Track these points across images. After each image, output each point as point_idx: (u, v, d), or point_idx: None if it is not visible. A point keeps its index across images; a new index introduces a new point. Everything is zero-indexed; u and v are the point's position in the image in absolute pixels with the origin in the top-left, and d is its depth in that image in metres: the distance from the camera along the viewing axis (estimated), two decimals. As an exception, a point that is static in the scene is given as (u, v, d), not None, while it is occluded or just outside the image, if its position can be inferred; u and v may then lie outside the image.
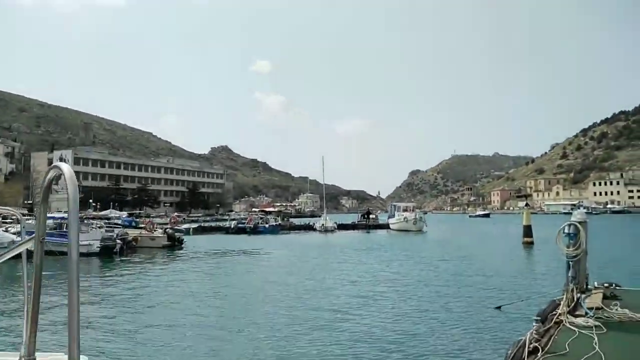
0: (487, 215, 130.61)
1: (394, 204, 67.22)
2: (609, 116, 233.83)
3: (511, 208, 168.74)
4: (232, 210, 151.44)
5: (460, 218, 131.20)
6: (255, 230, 54.21)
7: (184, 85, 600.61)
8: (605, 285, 8.55)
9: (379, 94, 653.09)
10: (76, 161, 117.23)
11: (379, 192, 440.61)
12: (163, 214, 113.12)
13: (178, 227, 38.74)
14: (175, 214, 54.08)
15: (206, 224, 66.10)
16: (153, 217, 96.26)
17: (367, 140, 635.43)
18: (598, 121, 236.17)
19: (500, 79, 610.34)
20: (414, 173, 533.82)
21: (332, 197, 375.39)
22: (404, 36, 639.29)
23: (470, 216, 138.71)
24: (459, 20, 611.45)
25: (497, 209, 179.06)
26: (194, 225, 59.42)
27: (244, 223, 58.75)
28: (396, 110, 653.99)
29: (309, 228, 61.80)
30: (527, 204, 34.83)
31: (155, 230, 35.07)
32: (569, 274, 6.64)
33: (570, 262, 6.59)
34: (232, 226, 58.06)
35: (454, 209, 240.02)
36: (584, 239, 6.48)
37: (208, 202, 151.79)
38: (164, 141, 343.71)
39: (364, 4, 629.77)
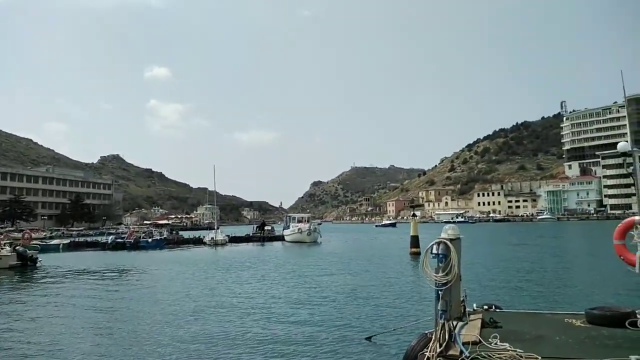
0: (393, 225, 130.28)
1: (289, 215, 65.30)
2: (490, 133, 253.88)
3: (405, 217, 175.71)
4: (121, 223, 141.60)
5: (364, 228, 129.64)
6: (136, 246, 49.17)
7: (71, 90, 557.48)
8: (485, 307, 7.39)
9: (283, 107, 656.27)
10: None
11: (281, 203, 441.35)
12: (41, 227, 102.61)
13: (34, 244, 32.80)
14: (28, 229, 46.47)
15: (82, 239, 58.60)
16: (21, 230, 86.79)
17: (270, 151, 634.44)
18: (482, 137, 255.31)
19: (395, 96, 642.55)
20: (315, 184, 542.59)
21: (233, 208, 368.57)
22: (307, 49, 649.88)
23: (376, 225, 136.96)
24: (363, 35, 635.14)
25: (393, 218, 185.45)
26: (65, 241, 52.85)
27: (123, 238, 53.07)
28: (299, 124, 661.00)
29: (199, 242, 57.05)
30: (414, 214, 34.70)
31: (2, 248, 29.57)
32: (439, 307, 5.13)
33: (440, 292, 5.08)
34: (110, 241, 51.86)
35: (353, 219, 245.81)
36: (455, 260, 4.98)
37: (94, 214, 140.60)
38: (45, 149, 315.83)
39: (269, 13, 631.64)
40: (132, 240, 50.74)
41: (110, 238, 53.46)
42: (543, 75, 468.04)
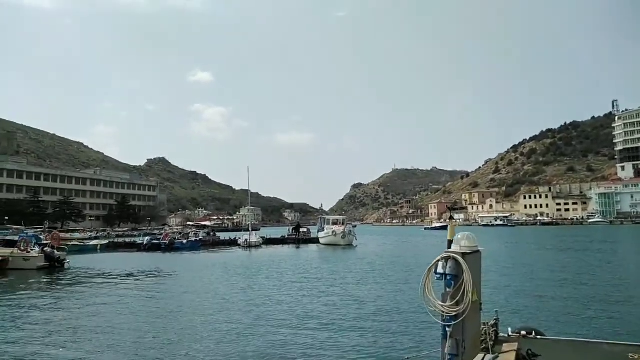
0: (445, 228, 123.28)
1: (323, 217, 63.48)
2: (537, 133, 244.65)
3: (447, 220, 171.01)
4: (165, 224, 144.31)
5: (406, 230, 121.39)
6: (171, 247, 48.87)
7: (120, 95, 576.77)
8: (522, 333, 5.92)
9: (321, 109, 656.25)
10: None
11: (321, 205, 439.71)
12: (88, 228, 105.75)
13: (62, 245, 32.38)
14: (49, 229, 46.09)
15: (121, 240, 59.23)
16: (72, 230, 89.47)
17: (311, 153, 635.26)
18: (527, 138, 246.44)
19: (437, 99, 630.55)
20: (356, 186, 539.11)
21: (274, 209, 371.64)
22: (344, 53, 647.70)
23: (425, 228, 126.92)
24: (400, 39, 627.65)
25: (435, 221, 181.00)
26: (104, 242, 53.49)
27: (159, 239, 52.96)
28: (339, 125, 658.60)
29: (234, 243, 56.45)
30: (451, 217, 32.23)
31: (32, 250, 29.73)
32: (446, 349, 3.70)
33: (447, 328, 3.73)
34: (146, 242, 51.44)
35: (394, 222, 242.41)
36: (469, 283, 3.62)
37: (139, 215, 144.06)
38: (95, 152, 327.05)
39: (305, 15, 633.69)
40: (167, 242, 50.49)
41: (146, 239, 53.21)
42: (593, 73, 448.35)
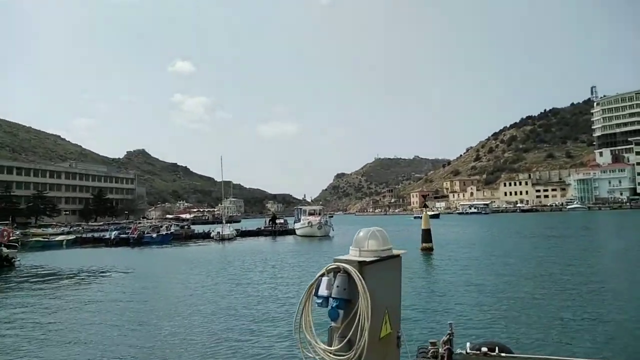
0: (436, 216, 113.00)
1: (299, 207, 61.72)
2: (517, 121, 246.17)
3: (430, 209, 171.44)
4: (144, 217, 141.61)
5: (391, 220, 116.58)
6: (139, 242, 46.29)
7: (97, 86, 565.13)
8: (483, 349, 4.70)
9: (304, 99, 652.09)
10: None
11: (304, 196, 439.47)
12: (63, 222, 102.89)
13: (11, 242, 29.62)
14: (6, 225, 43.07)
15: (89, 235, 56.74)
16: (45, 225, 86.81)
17: (293, 144, 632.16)
18: (508, 125, 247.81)
19: (419, 85, 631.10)
20: (339, 176, 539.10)
21: (257, 201, 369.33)
22: (327, 43, 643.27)
23: (415, 217, 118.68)
24: (378, 27, 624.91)
25: (417, 209, 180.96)
26: (71, 237, 51.18)
27: (127, 233, 50.45)
28: (321, 115, 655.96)
29: (207, 236, 54.26)
30: (425, 205, 30.74)
31: (-22, 248, 27.31)
32: None
33: None
34: (113, 237, 48.50)
35: (376, 211, 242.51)
36: (365, 312, 2.22)
37: (116, 209, 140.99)
38: (73, 144, 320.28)
39: (291, 6, 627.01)
40: (135, 236, 47.89)
41: (113, 234, 50.62)
42: (572, 61, 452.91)
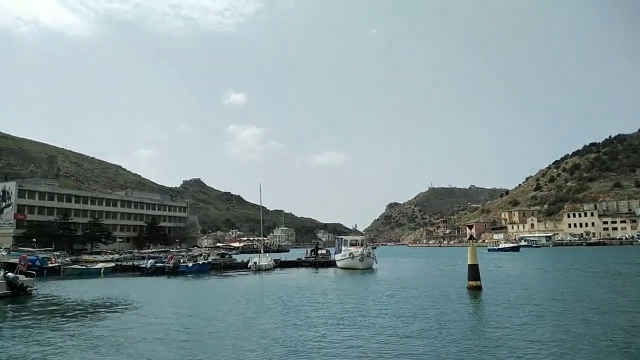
0: (516, 249, 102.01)
1: (340, 237, 57.56)
2: (580, 148, 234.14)
3: (486, 241, 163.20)
4: (195, 246, 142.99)
5: (449, 253, 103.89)
6: (175, 271, 44.94)
7: (157, 119, 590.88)
8: None
9: (355, 128, 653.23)
10: (20, 194, 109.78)
11: (355, 225, 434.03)
12: (116, 250, 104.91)
13: (29, 270, 28.33)
14: (24, 255, 41.65)
15: (128, 263, 55.62)
16: (97, 252, 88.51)
17: (345, 173, 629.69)
18: (570, 153, 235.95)
19: (474, 114, 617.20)
20: (391, 206, 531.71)
21: (308, 230, 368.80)
22: (379, 71, 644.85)
23: (489, 250, 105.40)
24: (432, 56, 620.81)
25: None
26: (110, 265, 50.48)
27: (164, 262, 48.86)
28: (373, 144, 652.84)
29: (245, 266, 51.00)
30: (471, 237, 24.90)
31: (-3, 274, 26.05)
32: None
33: None
34: (149, 266, 47.10)
35: (430, 242, 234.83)
36: None
37: (169, 237, 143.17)
38: (132, 174, 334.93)
39: (337, 34, 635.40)
40: (171, 265, 46.46)
41: (149, 262, 49.16)
42: (636, 85, 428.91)
